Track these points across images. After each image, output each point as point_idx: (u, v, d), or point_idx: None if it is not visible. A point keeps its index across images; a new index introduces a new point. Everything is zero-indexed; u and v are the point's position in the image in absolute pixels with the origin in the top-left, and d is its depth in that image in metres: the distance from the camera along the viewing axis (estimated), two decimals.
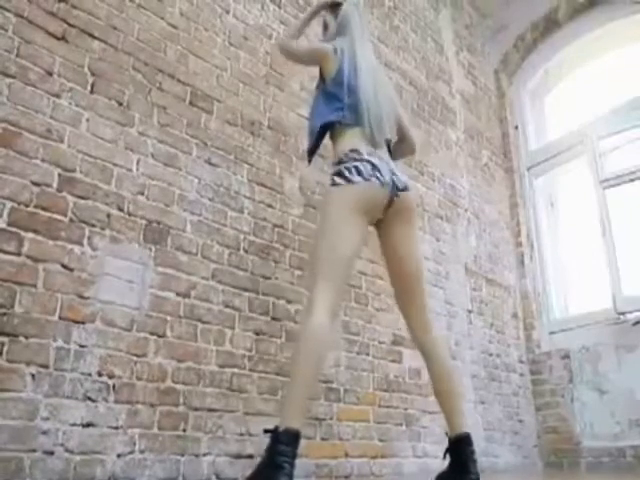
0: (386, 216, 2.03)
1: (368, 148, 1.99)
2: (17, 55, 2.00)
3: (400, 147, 2.36)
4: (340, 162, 1.97)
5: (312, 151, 2.18)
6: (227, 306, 2.40)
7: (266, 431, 1.68)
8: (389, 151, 2.15)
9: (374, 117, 2.07)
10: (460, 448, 1.90)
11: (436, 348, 2.04)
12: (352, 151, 1.97)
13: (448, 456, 1.94)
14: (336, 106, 2.08)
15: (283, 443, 1.60)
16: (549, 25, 4.88)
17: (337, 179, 1.93)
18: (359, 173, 1.91)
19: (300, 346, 1.76)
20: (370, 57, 2.29)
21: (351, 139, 2.02)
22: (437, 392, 2.02)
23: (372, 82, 2.15)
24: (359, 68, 2.14)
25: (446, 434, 1.97)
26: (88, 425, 1.87)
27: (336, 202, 1.93)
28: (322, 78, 2.22)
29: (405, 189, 2.01)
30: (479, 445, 3.37)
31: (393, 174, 1.99)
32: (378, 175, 1.93)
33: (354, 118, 2.05)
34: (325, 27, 2.49)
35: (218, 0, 2.82)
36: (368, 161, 1.94)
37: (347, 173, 1.92)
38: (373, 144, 2.03)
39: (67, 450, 1.80)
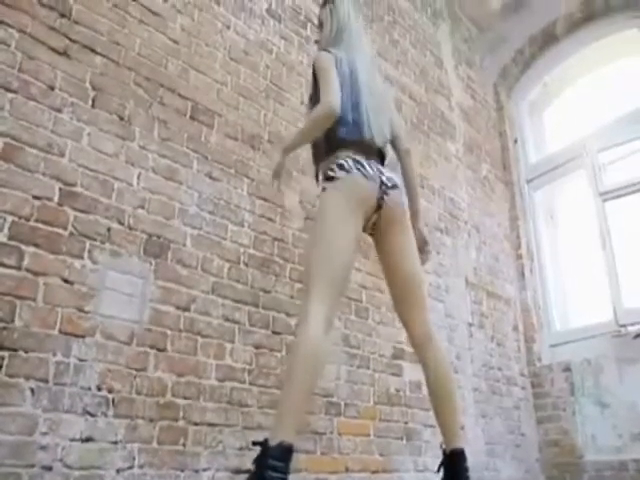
0: (379, 221, 2.04)
1: (355, 154, 2.01)
2: (19, 70, 2.02)
3: (395, 151, 2.37)
4: (328, 170, 2.02)
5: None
6: (227, 320, 2.40)
7: (255, 444, 1.61)
8: (381, 159, 2.15)
9: (372, 132, 2.08)
10: (454, 463, 1.87)
11: (437, 359, 1.97)
12: (339, 166, 1.99)
13: (442, 470, 1.91)
14: (341, 127, 2.04)
15: (275, 458, 1.51)
16: (547, 39, 4.92)
17: (324, 184, 2.00)
18: (341, 167, 1.96)
19: (295, 358, 1.68)
20: (367, 64, 2.27)
21: (339, 152, 2.03)
22: (434, 403, 1.96)
23: (370, 94, 2.15)
24: (358, 80, 2.14)
25: (441, 446, 1.94)
26: (87, 440, 1.86)
27: (326, 204, 1.95)
28: (317, 88, 2.12)
29: (395, 187, 2.04)
30: (480, 459, 3.36)
31: (380, 172, 2.01)
32: (361, 169, 1.96)
33: (352, 133, 2.05)
34: (320, 24, 2.43)
35: (219, 16, 2.85)
36: (352, 159, 1.98)
37: (331, 173, 1.97)
38: (363, 153, 2.04)
39: (66, 465, 1.79)
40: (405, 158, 2.34)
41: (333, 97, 1.97)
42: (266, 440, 1.56)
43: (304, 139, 2.11)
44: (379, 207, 2.00)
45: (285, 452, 1.53)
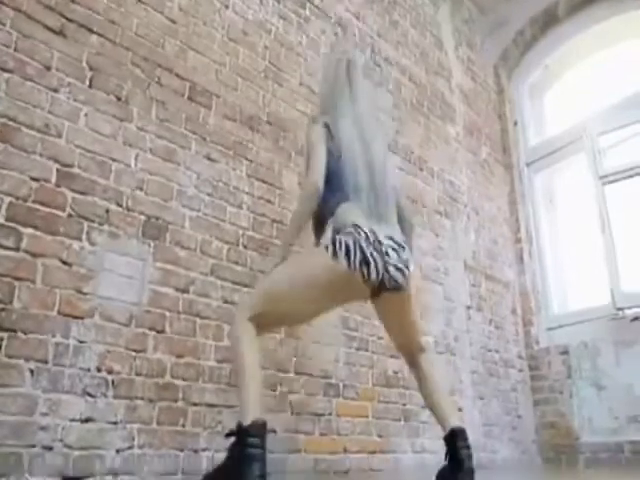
0: (376, 300, 1.95)
1: (369, 223, 1.85)
2: (15, 50, 2.00)
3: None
4: (336, 231, 1.86)
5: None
6: (226, 301, 2.40)
7: (228, 435, 1.67)
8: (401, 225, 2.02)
9: (373, 194, 1.95)
10: (455, 441, 1.89)
11: (427, 367, 2.08)
12: (353, 225, 1.83)
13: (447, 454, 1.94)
14: (336, 192, 1.94)
15: (252, 435, 1.58)
16: (549, 20, 4.87)
17: (329, 248, 1.83)
18: (347, 255, 1.77)
19: (234, 347, 1.80)
20: (365, 126, 2.13)
21: (350, 212, 1.89)
22: (427, 402, 2.06)
23: (367, 158, 2.03)
24: (349, 146, 2.02)
25: (444, 438, 1.97)
26: (87, 420, 1.87)
27: (314, 265, 1.86)
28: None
29: (398, 287, 1.85)
30: (478, 441, 3.39)
31: (386, 265, 1.81)
32: (365, 269, 1.78)
33: (352, 197, 1.93)
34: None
35: None
36: (366, 237, 1.80)
37: (338, 249, 1.79)
38: (376, 218, 1.90)
39: (66, 445, 1.80)
40: (407, 231, 2.13)
41: (315, 176, 1.93)
42: (239, 424, 1.63)
43: (298, 222, 1.99)
44: (380, 290, 1.86)
45: (260, 428, 1.61)
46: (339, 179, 1.95)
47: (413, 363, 2.11)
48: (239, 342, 1.79)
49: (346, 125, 2.07)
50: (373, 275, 1.79)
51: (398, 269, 1.84)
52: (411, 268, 1.90)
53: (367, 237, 1.80)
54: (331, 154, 1.99)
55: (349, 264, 1.77)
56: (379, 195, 1.97)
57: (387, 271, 1.81)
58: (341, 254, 1.78)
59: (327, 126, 2.05)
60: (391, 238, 1.87)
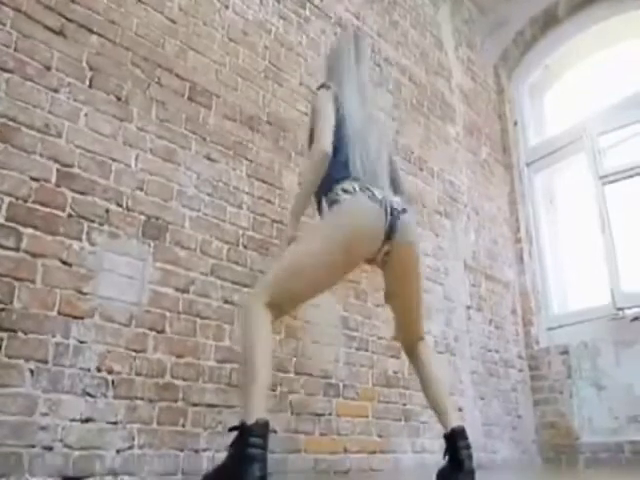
0: (391, 252, 1.94)
1: (361, 184, 1.92)
2: (15, 50, 2.00)
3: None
4: (332, 195, 1.94)
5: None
6: (226, 302, 2.40)
7: (232, 429, 1.66)
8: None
9: (369, 168, 1.99)
10: (455, 441, 1.90)
11: (426, 355, 2.10)
12: (344, 190, 1.90)
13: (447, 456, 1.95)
14: (339, 165, 1.98)
15: (254, 435, 1.56)
16: (549, 21, 4.87)
17: (328, 210, 1.93)
18: (345, 191, 1.88)
19: (249, 338, 1.75)
20: (362, 104, 2.15)
21: (344, 182, 1.94)
22: (427, 394, 2.07)
23: (364, 130, 2.07)
24: (350, 118, 2.05)
25: (444, 435, 1.97)
26: (87, 420, 1.87)
27: (324, 230, 1.91)
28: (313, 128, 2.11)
29: (404, 211, 1.93)
30: (478, 441, 3.39)
31: (388, 197, 1.91)
32: (367, 192, 1.87)
33: (348, 170, 1.96)
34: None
35: None
36: (359, 185, 1.89)
37: (334, 197, 1.90)
38: (369, 182, 1.95)
39: (66, 445, 1.80)
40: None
41: (323, 141, 1.96)
42: (242, 422, 1.61)
43: (307, 191, 2.02)
44: (388, 237, 1.90)
45: (262, 428, 1.59)
46: (340, 152, 1.97)
47: (413, 355, 2.11)
48: (255, 334, 1.73)
49: (352, 99, 2.10)
50: (377, 195, 1.86)
51: (401, 210, 1.92)
52: (412, 216, 2.00)
53: (362, 189, 1.89)
54: (336, 127, 2.01)
55: (350, 194, 1.86)
56: (378, 173, 2.01)
57: (392, 213, 1.89)
58: (340, 195, 1.87)
59: (336, 95, 2.08)
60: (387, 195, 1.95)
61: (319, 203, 2.08)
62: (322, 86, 2.16)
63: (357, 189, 1.88)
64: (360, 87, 2.18)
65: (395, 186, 2.14)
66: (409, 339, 2.13)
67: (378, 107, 2.26)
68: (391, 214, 1.88)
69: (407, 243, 1.95)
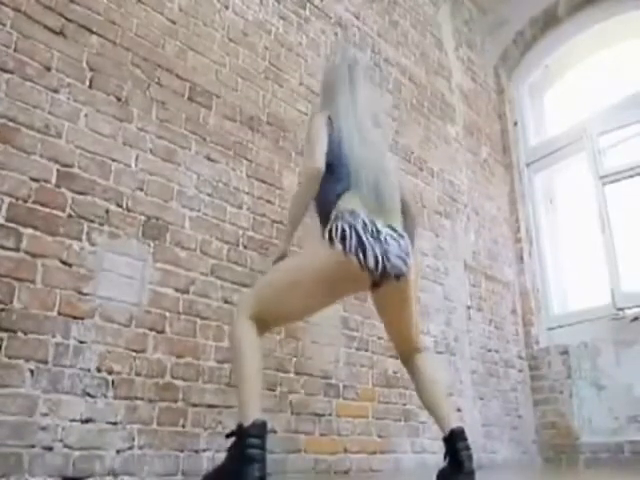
0: (376, 291, 1.94)
1: (368, 212, 1.85)
2: (15, 50, 2.00)
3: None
4: (335, 218, 1.85)
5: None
6: (226, 302, 2.40)
7: (229, 435, 1.67)
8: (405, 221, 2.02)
9: (373, 186, 1.93)
10: (454, 442, 1.90)
11: (423, 367, 2.09)
12: (350, 212, 1.83)
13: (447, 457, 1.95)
14: (337, 183, 1.93)
15: (253, 436, 1.57)
16: (549, 21, 4.87)
17: (325, 235, 1.84)
18: (343, 240, 1.77)
19: (235, 347, 1.78)
20: (365, 123, 2.12)
21: (350, 201, 1.88)
22: (423, 400, 2.07)
23: (367, 152, 2.02)
24: (349, 137, 2.01)
25: (443, 438, 1.97)
26: (87, 421, 1.87)
27: (314, 258, 1.86)
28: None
29: (400, 274, 1.85)
30: (478, 441, 3.39)
31: (386, 253, 1.81)
32: (361, 254, 1.76)
33: (352, 187, 1.92)
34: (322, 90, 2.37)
35: None
36: (364, 224, 1.80)
37: (334, 234, 1.80)
38: (376, 208, 1.89)
39: (66, 446, 1.80)
40: (410, 226, 2.12)
41: (316, 159, 1.92)
42: (240, 425, 1.62)
43: (300, 208, 1.99)
44: (380, 282, 1.86)
45: (260, 428, 1.60)
46: (340, 170, 1.94)
47: (409, 363, 2.12)
48: (240, 341, 1.77)
49: (347, 118, 2.07)
50: (370, 261, 1.77)
51: (399, 257, 1.84)
52: (411, 257, 1.91)
53: (365, 224, 1.81)
54: (332, 144, 1.98)
55: (344, 249, 1.76)
56: (380, 188, 1.95)
57: (388, 259, 1.81)
58: (337, 239, 1.78)
59: (329, 117, 2.06)
60: (390, 227, 1.88)
61: (324, 217, 1.99)
62: (315, 112, 2.15)
63: (359, 218, 1.81)
64: (357, 115, 2.12)
65: (403, 207, 2.07)
66: (406, 351, 2.13)
67: (380, 135, 2.22)
68: (387, 257, 1.81)
69: (399, 290, 1.92)
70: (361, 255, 1.77)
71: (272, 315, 1.87)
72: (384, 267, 1.80)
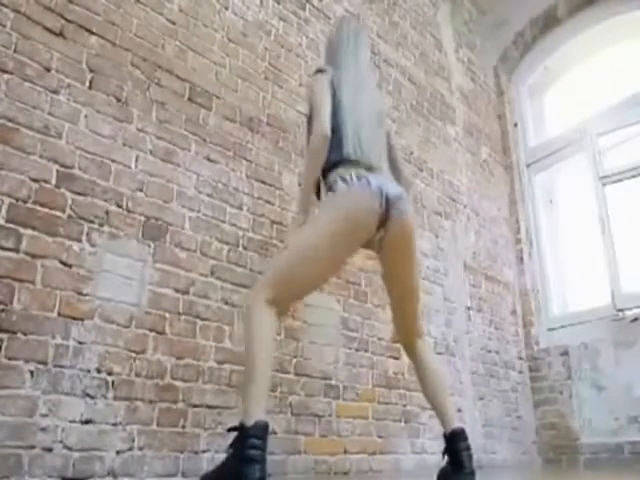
0: (386, 236, 1.95)
1: (357, 171, 1.94)
2: (15, 51, 2.00)
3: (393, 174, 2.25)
4: (334, 181, 1.96)
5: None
6: (226, 303, 2.40)
7: (231, 430, 1.65)
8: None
9: (364, 148, 2.02)
10: (455, 443, 1.90)
11: (425, 352, 2.11)
12: (341, 178, 1.93)
13: (446, 455, 1.95)
14: (342, 146, 2.01)
15: (254, 436, 1.56)
16: (548, 21, 4.87)
17: (326, 195, 1.97)
18: (343, 180, 1.90)
19: (251, 336, 1.74)
20: (359, 88, 2.16)
21: (347, 169, 1.96)
22: (426, 393, 2.08)
23: (360, 113, 2.08)
24: (346, 101, 2.07)
25: (444, 435, 1.98)
26: (87, 422, 1.87)
27: (323, 214, 1.91)
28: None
29: (399, 198, 1.93)
30: (477, 441, 3.39)
31: (383, 185, 1.91)
32: (363, 181, 1.88)
33: (353, 152, 2.00)
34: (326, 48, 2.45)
35: None
36: (355, 173, 1.91)
37: (332, 185, 1.94)
38: (365, 169, 1.97)
39: (66, 447, 1.80)
40: (400, 181, 2.22)
41: (322, 123, 1.98)
42: (242, 423, 1.61)
43: (312, 173, 2.02)
44: (383, 223, 1.92)
45: (262, 429, 1.59)
46: (337, 137, 1.99)
47: (413, 351, 2.12)
48: (257, 333, 1.73)
49: (348, 83, 2.11)
50: (374, 187, 1.86)
51: (396, 195, 1.92)
52: (408, 201, 1.99)
53: (358, 177, 1.91)
54: (332, 109, 2.03)
55: (347, 185, 1.88)
56: (373, 156, 2.03)
57: (388, 190, 1.90)
58: (337, 183, 1.91)
59: (332, 79, 2.10)
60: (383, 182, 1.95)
61: (317, 186, 2.10)
62: (319, 70, 2.17)
63: (353, 177, 1.90)
64: (358, 71, 2.20)
65: (393, 169, 2.19)
66: (408, 335, 2.12)
67: (378, 92, 2.27)
68: (386, 202, 1.88)
69: (401, 228, 1.95)
70: (364, 181, 1.88)
71: (292, 287, 1.84)
72: (387, 197, 1.88)
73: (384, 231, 1.93)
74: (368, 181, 1.89)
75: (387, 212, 1.89)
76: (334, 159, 1.98)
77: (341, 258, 1.96)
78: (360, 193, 1.88)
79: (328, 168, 2.00)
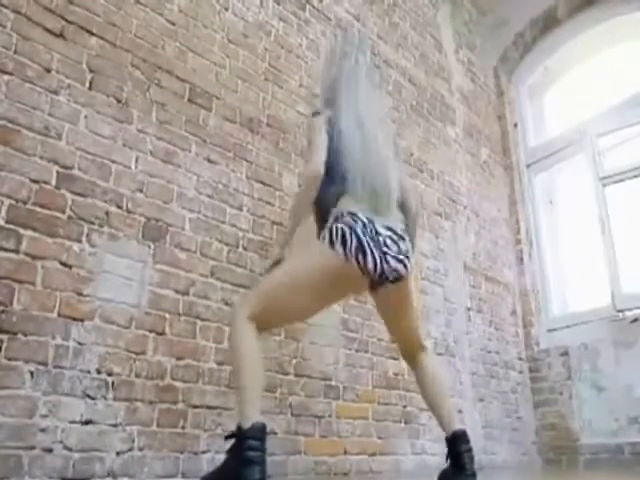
0: (375, 292, 1.93)
1: (367, 213, 1.82)
2: (15, 52, 2.00)
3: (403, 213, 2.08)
4: (335, 219, 1.83)
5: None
6: (226, 303, 2.40)
7: (228, 437, 1.65)
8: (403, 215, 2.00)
9: (373, 186, 1.90)
10: (457, 445, 1.90)
11: (428, 368, 2.08)
12: (350, 214, 1.81)
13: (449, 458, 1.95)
14: (336, 184, 1.91)
15: (252, 438, 1.56)
16: (548, 22, 4.87)
17: (325, 236, 1.82)
18: (344, 243, 1.76)
19: (235, 348, 1.75)
20: (366, 122, 2.07)
21: (349, 202, 1.86)
22: (426, 400, 2.07)
23: (367, 151, 1.98)
24: (349, 137, 1.98)
25: (445, 438, 1.97)
26: (87, 422, 1.87)
27: (313, 259, 1.83)
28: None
29: (398, 278, 1.83)
30: (478, 442, 3.38)
31: (384, 255, 1.78)
32: (361, 257, 1.75)
33: (351, 188, 1.89)
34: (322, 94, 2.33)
35: None
36: (363, 226, 1.78)
37: (334, 236, 1.78)
38: (375, 209, 1.86)
39: (66, 447, 1.80)
40: (411, 223, 2.09)
41: (316, 162, 1.90)
42: (239, 427, 1.61)
43: (299, 211, 1.97)
44: (375, 285, 1.87)
45: (260, 431, 1.59)
46: (339, 171, 1.92)
47: (414, 363, 2.11)
48: (240, 343, 1.75)
49: (348, 118, 2.04)
50: (370, 265, 1.76)
51: (398, 260, 1.82)
52: (412, 260, 1.89)
53: (364, 225, 1.79)
54: (332, 145, 1.96)
55: (345, 252, 1.75)
56: (379, 187, 1.92)
57: (387, 262, 1.79)
58: (337, 242, 1.76)
59: (329, 118, 2.03)
60: (390, 229, 1.85)
61: (322, 217, 1.96)
62: (315, 113, 2.11)
63: (358, 220, 1.79)
64: (358, 114, 2.07)
65: (404, 206, 2.05)
66: (409, 350, 2.11)
67: (383, 133, 2.18)
68: (385, 260, 1.79)
69: (397, 290, 1.90)
70: (361, 258, 1.75)
71: (272, 317, 1.85)
72: (382, 270, 1.79)
73: (377, 285, 1.88)
74: (368, 251, 1.76)
75: (383, 274, 1.81)
76: (335, 191, 1.89)
77: (325, 303, 1.95)
78: (351, 272, 1.77)
79: (332, 200, 1.89)
